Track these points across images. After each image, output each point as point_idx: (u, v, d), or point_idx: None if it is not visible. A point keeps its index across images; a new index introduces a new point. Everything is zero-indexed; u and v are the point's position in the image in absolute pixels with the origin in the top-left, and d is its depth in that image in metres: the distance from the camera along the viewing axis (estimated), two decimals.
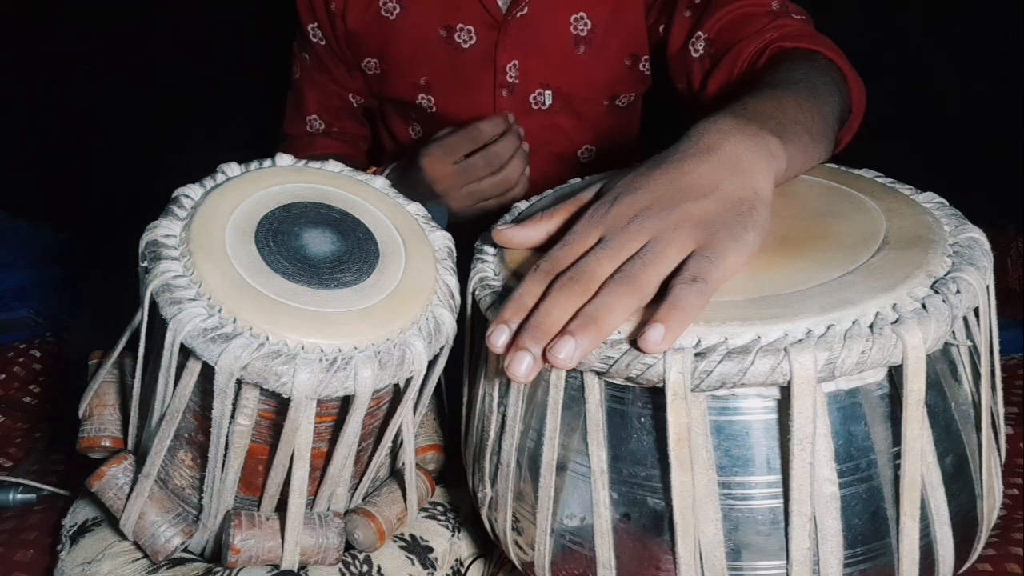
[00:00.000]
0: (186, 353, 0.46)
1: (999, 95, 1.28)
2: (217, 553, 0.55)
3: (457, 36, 0.90)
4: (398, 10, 0.90)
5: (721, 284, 0.42)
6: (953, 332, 0.43)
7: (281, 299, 0.48)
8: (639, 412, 0.42)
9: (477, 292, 0.50)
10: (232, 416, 0.47)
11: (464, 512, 0.62)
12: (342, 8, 0.91)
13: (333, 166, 0.59)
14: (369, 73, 0.96)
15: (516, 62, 0.90)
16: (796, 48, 0.71)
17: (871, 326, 0.39)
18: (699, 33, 0.80)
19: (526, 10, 0.88)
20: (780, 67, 0.65)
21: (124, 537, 0.54)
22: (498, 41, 0.89)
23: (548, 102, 0.92)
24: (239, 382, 0.46)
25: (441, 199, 0.81)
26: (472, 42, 0.90)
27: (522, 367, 0.40)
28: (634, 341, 0.40)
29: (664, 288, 0.41)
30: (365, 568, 0.55)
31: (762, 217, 0.45)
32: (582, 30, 0.89)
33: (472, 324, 0.54)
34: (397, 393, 0.52)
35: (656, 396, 0.41)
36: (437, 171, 0.79)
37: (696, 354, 0.39)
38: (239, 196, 0.53)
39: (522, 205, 0.59)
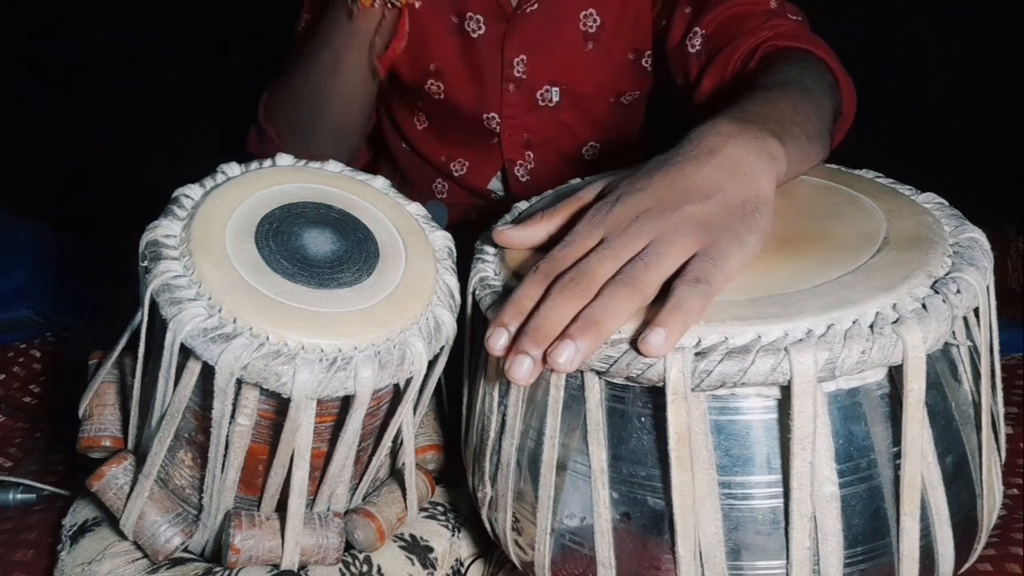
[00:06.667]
0: (186, 353, 0.46)
1: (999, 95, 1.28)
2: (217, 553, 0.55)
3: (467, 24, 0.89)
4: None
5: (724, 286, 0.42)
6: (953, 332, 0.43)
7: (281, 299, 0.48)
8: (639, 411, 0.42)
9: (477, 292, 0.50)
10: (232, 416, 0.47)
11: (464, 512, 0.62)
12: None
13: (333, 166, 0.59)
14: None
15: (524, 57, 0.89)
16: (788, 48, 0.71)
17: (871, 326, 0.39)
18: (696, 29, 0.80)
19: (536, 6, 0.87)
20: (773, 68, 0.65)
21: (124, 537, 0.54)
22: (506, 35, 0.88)
23: (556, 99, 0.92)
24: (239, 382, 0.46)
25: None
26: (481, 31, 0.89)
27: (522, 370, 0.40)
28: (635, 342, 0.40)
29: (665, 289, 0.41)
30: (365, 568, 0.55)
31: (764, 220, 0.45)
32: (591, 27, 0.88)
33: (472, 324, 0.54)
34: (397, 393, 0.52)
35: (656, 395, 0.41)
36: None
37: (696, 353, 0.39)
38: (239, 196, 0.53)
39: (522, 205, 0.59)
